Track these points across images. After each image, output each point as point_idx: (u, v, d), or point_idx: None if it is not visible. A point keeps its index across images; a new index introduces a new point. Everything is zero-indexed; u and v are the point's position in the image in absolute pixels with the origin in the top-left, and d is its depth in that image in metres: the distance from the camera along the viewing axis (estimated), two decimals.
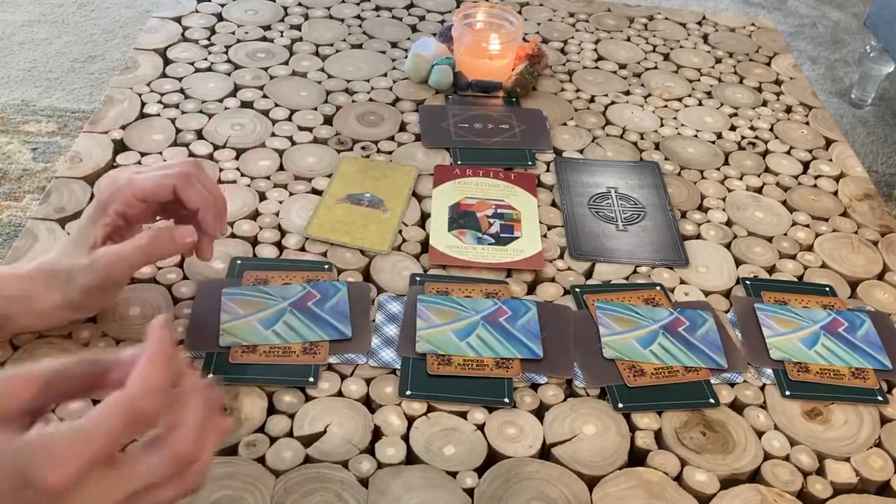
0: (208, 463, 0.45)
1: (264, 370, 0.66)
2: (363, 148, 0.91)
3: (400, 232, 0.81)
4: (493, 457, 0.63)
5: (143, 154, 0.86)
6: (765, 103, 1.06)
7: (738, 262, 0.82)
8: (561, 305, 0.75)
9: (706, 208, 0.89)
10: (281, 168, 0.87)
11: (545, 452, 0.64)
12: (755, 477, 0.64)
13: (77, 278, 0.63)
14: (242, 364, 0.66)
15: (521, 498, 0.60)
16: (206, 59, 1.01)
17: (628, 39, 1.16)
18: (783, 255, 0.84)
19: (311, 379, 0.66)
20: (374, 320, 0.71)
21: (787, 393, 0.69)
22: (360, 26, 1.11)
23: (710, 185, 0.92)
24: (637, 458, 0.64)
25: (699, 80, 1.09)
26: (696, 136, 0.99)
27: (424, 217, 0.84)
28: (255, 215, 0.81)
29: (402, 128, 0.95)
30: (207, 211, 0.65)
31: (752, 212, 0.88)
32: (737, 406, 0.68)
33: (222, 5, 1.11)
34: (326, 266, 0.75)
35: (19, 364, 0.65)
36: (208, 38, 1.05)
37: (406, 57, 1.04)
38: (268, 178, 0.85)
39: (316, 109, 0.95)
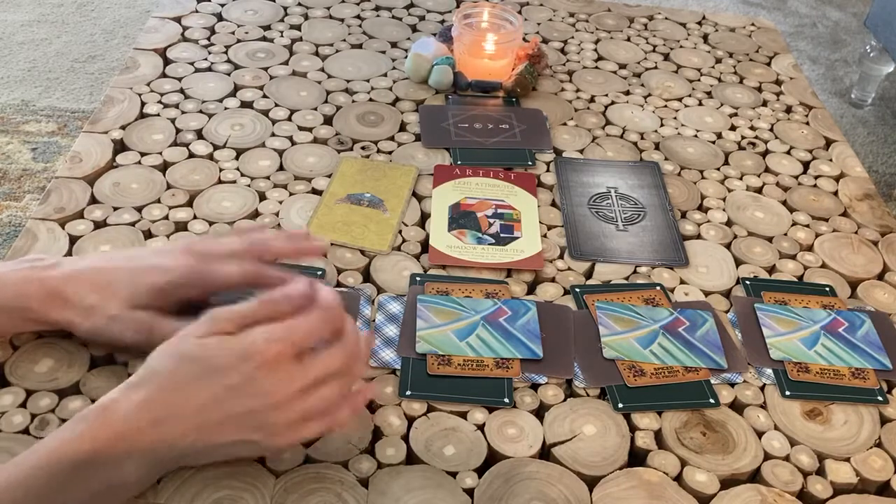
0: (367, 360, 0.61)
1: None
2: (363, 148, 0.91)
3: (400, 232, 0.81)
4: (493, 457, 0.63)
5: (143, 154, 0.86)
6: (765, 103, 1.06)
7: (738, 262, 0.82)
8: (561, 305, 0.75)
9: (706, 208, 0.89)
10: (281, 168, 0.87)
11: (545, 452, 0.64)
12: (755, 477, 0.64)
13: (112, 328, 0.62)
14: None
15: (521, 498, 0.60)
16: (206, 59, 1.01)
17: (628, 39, 1.16)
18: (783, 255, 0.84)
19: None
20: (373, 320, 0.71)
21: (787, 393, 0.69)
22: (360, 26, 1.11)
23: (710, 185, 0.92)
24: (637, 458, 0.64)
25: (699, 80, 1.09)
26: (696, 136, 0.99)
27: (424, 217, 0.84)
28: (255, 215, 0.81)
29: (402, 128, 0.95)
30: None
31: (752, 212, 0.88)
32: (737, 406, 0.68)
33: (222, 5, 1.11)
34: (319, 273, 0.75)
35: (18, 364, 0.65)
36: (208, 38, 1.05)
37: (406, 57, 1.04)
38: (268, 178, 0.85)
39: (316, 109, 0.95)
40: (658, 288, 0.77)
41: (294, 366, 0.54)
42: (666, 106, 1.04)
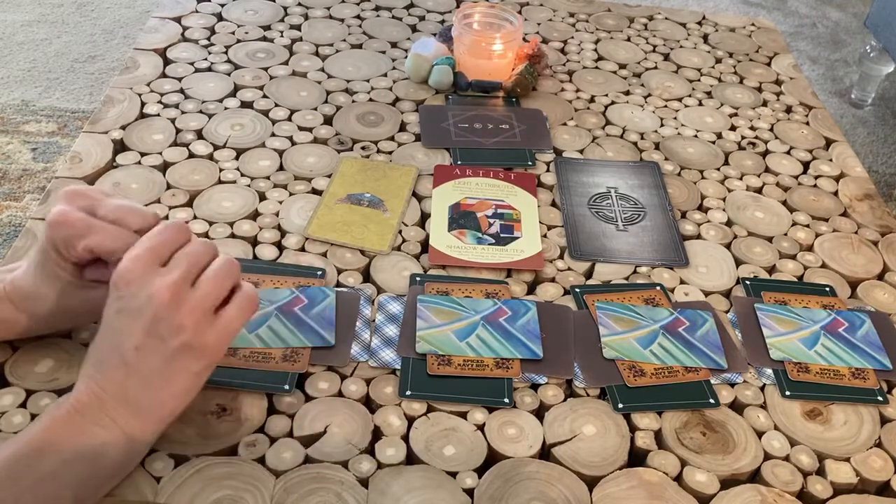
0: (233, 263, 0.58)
1: (239, 374, 0.65)
2: (363, 148, 0.91)
3: (400, 232, 0.81)
4: (493, 457, 0.63)
5: (143, 154, 0.86)
6: (765, 103, 1.06)
7: (738, 262, 0.82)
8: (561, 305, 0.75)
9: (706, 208, 0.89)
10: (281, 168, 0.87)
11: (545, 453, 0.64)
12: (755, 477, 0.64)
13: (64, 303, 0.62)
14: (219, 367, 0.64)
15: (521, 498, 0.60)
16: (206, 59, 1.01)
17: (628, 39, 1.16)
18: (783, 255, 0.84)
19: (287, 386, 0.65)
20: (373, 320, 0.71)
21: (787, 393, 0.69)
22: (360, 26, 1.11)
23: (710, 185, 0.92)
24: (637, 458, 0.64)
25: (699, 80, 1.09)
26: (696, 136, 0.99)
27: (424, 217, 0.84)
28: (255, 215, 0.81)
29: (402, 128, 0.95)
30: None
31: (752, 212, 0.88)
32: (737, 406, 0.68)
33: (222, 5, 1.11)
34: (319, 273, 0.75)
35: (18, 364, 0.65)
36: (208, 38, 1.05)
37: (406, 57, 1.04)
38: (268, 178, 0.85)
39: (316, 109, 0.95)
40: (658, 288, 0.77)
41: (159, 267, 0.55)
42: (666, 106, 1.04)
